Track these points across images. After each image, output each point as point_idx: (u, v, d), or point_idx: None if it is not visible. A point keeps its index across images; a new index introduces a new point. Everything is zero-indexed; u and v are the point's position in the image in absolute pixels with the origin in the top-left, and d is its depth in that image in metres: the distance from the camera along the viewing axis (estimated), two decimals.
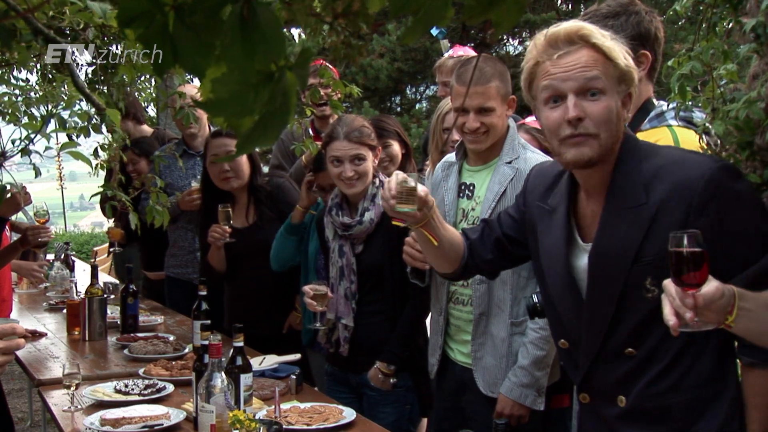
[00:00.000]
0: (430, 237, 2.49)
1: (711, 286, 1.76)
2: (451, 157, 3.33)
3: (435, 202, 2.49)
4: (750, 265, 1.96)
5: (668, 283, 1.81)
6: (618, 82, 2.07)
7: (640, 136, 2.51)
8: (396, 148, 4.42)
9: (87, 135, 3.49)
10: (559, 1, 14.60)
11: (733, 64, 2.26)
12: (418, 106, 15.75)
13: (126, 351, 3.91)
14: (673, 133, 2.46)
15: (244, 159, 4.21)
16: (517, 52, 15.02)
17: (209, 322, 3.11)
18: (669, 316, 1.78)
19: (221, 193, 4.26)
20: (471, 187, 3.18)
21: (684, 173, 2.00)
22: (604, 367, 2.17)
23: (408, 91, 16.08)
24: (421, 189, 2.43)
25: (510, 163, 3.07)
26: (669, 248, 1.79)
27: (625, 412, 2.14)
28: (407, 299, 3.52)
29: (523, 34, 14.50)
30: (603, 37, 2.08)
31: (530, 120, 4.36)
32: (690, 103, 2.33)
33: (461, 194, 3.20)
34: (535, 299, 2.64)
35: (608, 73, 2.06)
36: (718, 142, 2.28)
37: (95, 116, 3.42)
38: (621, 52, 2.08)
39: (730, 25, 2.28)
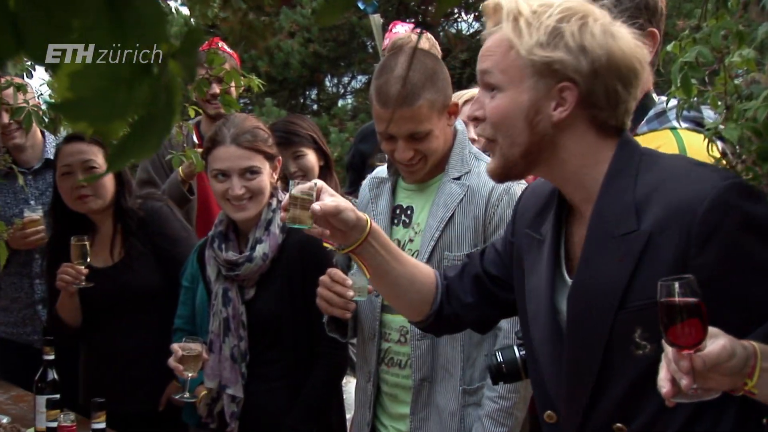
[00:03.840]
0: (361, 266, 2.55)
1: (717, 344, 1.79)
2: (382, 171, 3.36)
3: (374, 226, 2.53)
4: None
5: (666, 343, 1.85)
6: (530, 74, 2.14)
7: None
8: (311, 158, 4.45)
9: None
10: None
11: (749, 49, 2.32)
12: (341, 102, 15.77)
13: None
14: (678, 138, 2.52)
15: None
16: (472, 30, 15.17)
17: (58, 396, 3.08)
18: (663, 381, 1.83)
19: (77, 219, 4.21)
20: (408, 212, 3.23)
21: (684, 193, 2.03)
22: None
23: (327, 83, 16.09)
24: (325, 204, 2.46)
25: (459, 179, 3.11)
26: (658, 299, 1.84)
27: None
28: (316, 359, 3.54)
29: (480, 7, 14.62)
30: (519, 17, 2.15)
31: None
32: (695, 99, 2.38)
33: (395, 221, 3.25)
34: (499, 358, 2.66)
35: (509, 64, 2.17)
36: (736, 149, 2.33)
37: None
38: (536, 37, 2.13)
39: None
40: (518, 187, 3.06)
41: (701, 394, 1.81)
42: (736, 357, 1.79)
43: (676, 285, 1.82)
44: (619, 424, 2.13)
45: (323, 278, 3.04)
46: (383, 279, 2.57)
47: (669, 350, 1.82)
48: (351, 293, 3.00)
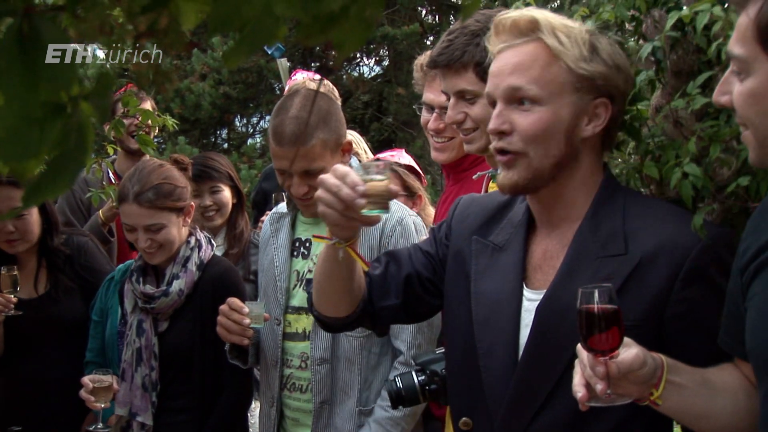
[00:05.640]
0: (360, 260, 2.30)
1: (630, 352, 1.80)
2: (282, 207, 3.37)
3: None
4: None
5: (581, 349, 1.85)
6: (573, 89, 2.10)
7: None
8: (227, 194, 4.45)
9: None
10: (424, 13, 15.00)
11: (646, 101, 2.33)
12: (250, 141, 15.73)
13: None
14: None
15: (34, 216, 4.11)
16: (373, 73, 15.26)
17: None
18: (578, 386, 1.82)
19: (3, 254, 4.13)
20: (307, 244, 3.25)
21: (678, 231, 2.05)
22: None
23: (237, 123, 16.04)
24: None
25: None
26: (578, 306, 1.85)
27: None
28: (222, 389, 3.52)
29: (381, 52, 14.74)
30: (556, 31, 2.10)
31: (389, 155, 4.41)
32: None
33: (295, 253, 3.26)
34: (399, 384, 2.67)
35: (552, 78, 2.09)
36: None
37: None
38: (579, 50, 2.09)
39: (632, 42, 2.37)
40: (410, 218, 3.10)
41: (614, 398, 1.82)
42: (647, 366, 1.81)
43: (596, 293, 1.83)
44: None
45: (222, 307, 3.07)
46: (353, 270, 2.32)
47: (584, 356, 1.82)
48: (248, 321, 3.04)
